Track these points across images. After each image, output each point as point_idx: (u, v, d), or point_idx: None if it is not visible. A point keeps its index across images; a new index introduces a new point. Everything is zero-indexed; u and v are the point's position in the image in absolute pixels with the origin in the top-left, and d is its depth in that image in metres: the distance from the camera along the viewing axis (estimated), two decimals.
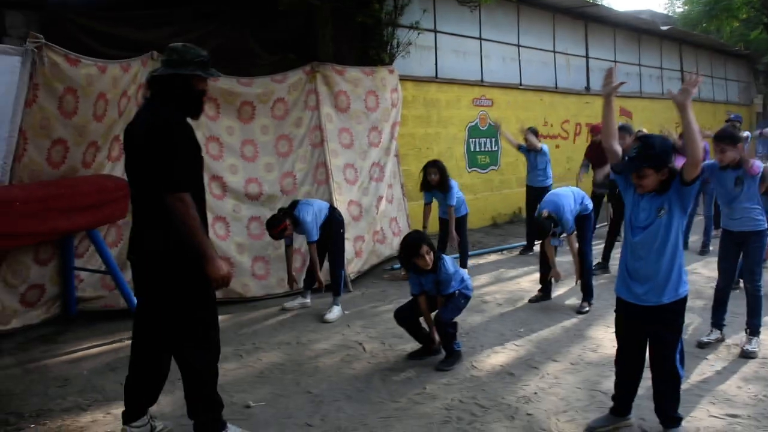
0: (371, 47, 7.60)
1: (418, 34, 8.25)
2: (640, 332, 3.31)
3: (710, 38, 17.60)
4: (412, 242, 4.33)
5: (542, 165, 8.12)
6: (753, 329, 4.64)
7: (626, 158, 3.21)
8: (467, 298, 4.52)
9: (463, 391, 4.01)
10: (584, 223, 5.74)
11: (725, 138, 4.52)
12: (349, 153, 6.76)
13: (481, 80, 9.91)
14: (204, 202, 3.15)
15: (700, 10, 19.98)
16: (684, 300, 3.28)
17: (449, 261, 4.44)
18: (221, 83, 5.91)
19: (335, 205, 6.13)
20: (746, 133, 8.95)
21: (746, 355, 4.51)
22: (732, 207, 4.62)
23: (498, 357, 4.60)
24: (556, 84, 11.57)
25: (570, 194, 5.67)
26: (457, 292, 4.43)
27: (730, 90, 18.24)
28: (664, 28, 14.46)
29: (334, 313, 5.57)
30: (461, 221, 6.84)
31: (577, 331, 5.08)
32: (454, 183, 6.73)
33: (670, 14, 23.43)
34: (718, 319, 4.79)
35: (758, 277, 4.66)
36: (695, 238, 8.25)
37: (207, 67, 3.11)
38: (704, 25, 19.87)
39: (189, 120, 3.10)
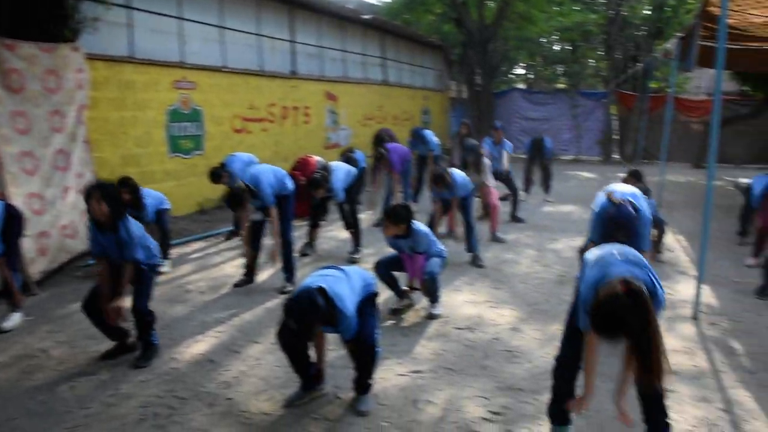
0: (51, 21, 6.96)
1: (107, 8, 7.78)
2: None
3: (409, 29, 19.41)
4: (86, 188, 4.12)
5: None
6: (434, 300, 5.34)
7: None
8: (154, 272, 4.44)
9: (161, 386, 3.99)
10: (284, 203, 6.00)
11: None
12: (26, 140, 6.14)
13: (182, 62, 9.71)
14: None
15: (401, 1, 21.88)
16: None
17: (135, 223, 4.23)
18: None
19: (11, 200, 5.56)
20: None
21: (432, 318, 5.21)
22: None
23: (199, 346, 4.64)
24: (262, 67, 11.80)
25: (270, 171, 5.93)
26: (146, 268, 4.29)
27: (427, 77, 20.37)
28: (366, 17, 15.58)
29: (13, 320, 5.08)
30: (162, 215, 6.64)
31: (279, 311, 5.33)
32: (148, 191, 6.53)
33: (378, 3, 25.22)
34: (396, 291, 5.41)
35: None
36: None
37: None
38: (405, 16, 21.86)
39: None
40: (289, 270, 6.00)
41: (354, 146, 9.99)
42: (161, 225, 6.62)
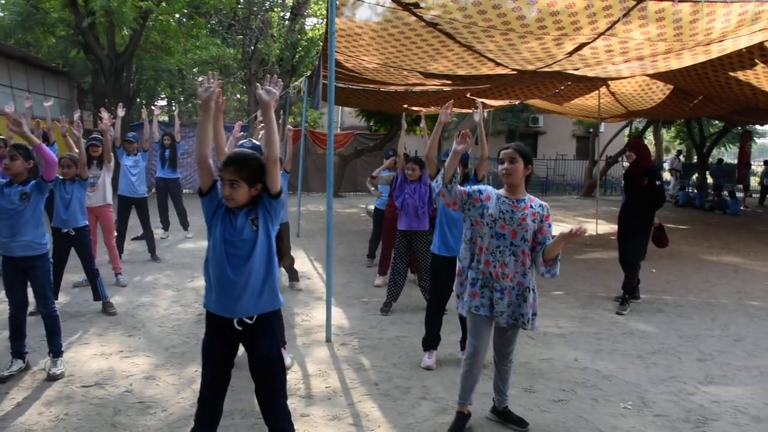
0: None
1: None
2: None
3: (24, 51, 17.52)
4: None
5: None
6: (56, 351, 4.83)
7: None
8: None
9: None
10: None
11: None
12: None
13: None
14: None
15: (14, 19, 19.60)
16: None
17: None
18: None
19: None
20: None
21: (53, 378, 4.66)
22: (16, 228, 4.67)
23: None
24: None
25: None
26: None
27: (52, 107, 18.66)
28: None
29: None
30: None
31: None
32: None
33: None
34: (18, 348, 4.79)
35: (51, 301, 4.85)
36: None
37: None
38: (21, 36, 19.69)
39: None
40: None
41: None
42: None
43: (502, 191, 3.79)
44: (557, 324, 6.36)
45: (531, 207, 3.70)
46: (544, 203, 3.76)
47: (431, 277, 5.31)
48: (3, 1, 20.49)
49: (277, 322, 3.26)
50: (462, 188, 3.76)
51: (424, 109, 12.89)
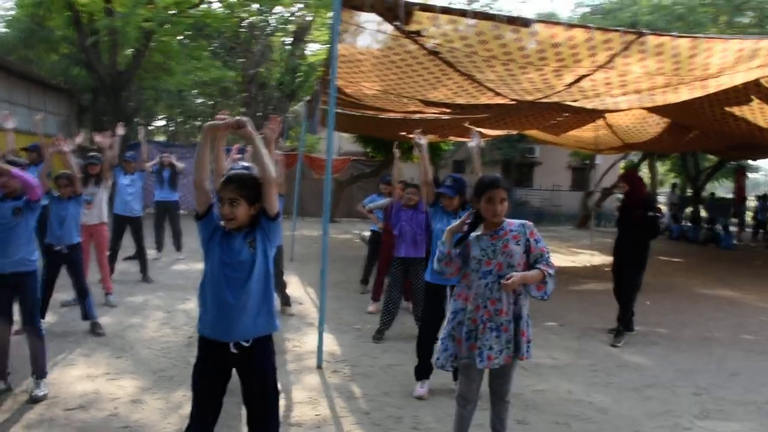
0: None
1: None
2: None
3: (25, 67, 17.54)
4: None
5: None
6: (39, 372, 4.70)
7: None
8: None
9: None
10: None
11: None
12: None
13: None
14: None
15: (17, 35, 19.69)
16: None
17: None
18: None
19: None
20: None
21: (35, 401, 4.53)
22: (7, 243, 4.58)
23: None
24: None
25: None
26: None
27: (50, 123, 18.60)
28: None
29: None
30: None
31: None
32: None
33: None
34: (0, 368, 4.67)
35: (38, 320, 4.75)
36: None
37: None
38: (23, 52, 19.75)
39: None
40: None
41: None
42: None
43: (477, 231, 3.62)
44: (551, 355, 6.26)
45: (511, 231, 3.52)
46: (524, 222, 3.59)
47: (423, 305, 5.27)
48: (9, 18, 20.59)
49: (272, 347, 3.22)
50: (456, 252, 3.58)
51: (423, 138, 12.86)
